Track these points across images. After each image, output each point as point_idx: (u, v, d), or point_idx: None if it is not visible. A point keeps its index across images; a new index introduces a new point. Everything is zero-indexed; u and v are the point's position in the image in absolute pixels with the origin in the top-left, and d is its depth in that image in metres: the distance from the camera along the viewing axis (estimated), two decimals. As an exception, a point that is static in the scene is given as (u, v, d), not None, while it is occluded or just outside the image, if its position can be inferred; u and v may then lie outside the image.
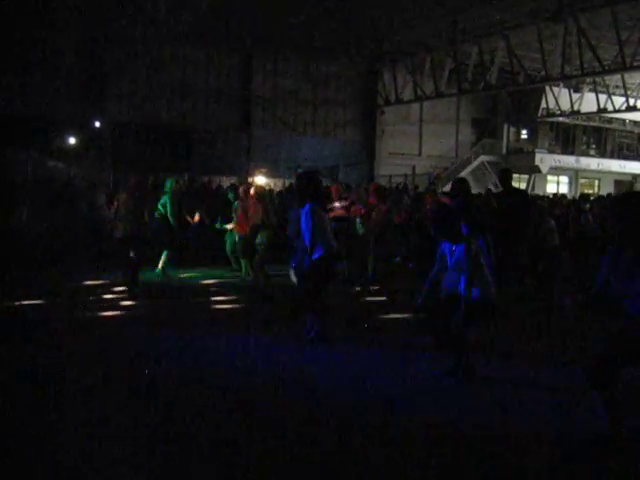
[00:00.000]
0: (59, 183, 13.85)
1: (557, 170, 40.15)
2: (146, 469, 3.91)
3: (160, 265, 11.16)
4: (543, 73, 26.99)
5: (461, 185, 9.05)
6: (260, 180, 13.56)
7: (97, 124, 25.91)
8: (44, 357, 6.15)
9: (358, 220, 10.40)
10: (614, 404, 4.18)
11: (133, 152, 25.59)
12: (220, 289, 10.35)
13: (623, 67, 24.25)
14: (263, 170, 23.81)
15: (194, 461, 3.99)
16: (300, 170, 22.04)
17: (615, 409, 4.18)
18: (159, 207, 11.26)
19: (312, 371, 6.00)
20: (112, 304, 8.80)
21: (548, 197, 21.58)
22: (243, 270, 11.45)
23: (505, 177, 10.04)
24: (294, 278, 8.55)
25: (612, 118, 39.43)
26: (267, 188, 16.57)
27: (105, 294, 9.46)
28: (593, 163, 41.14)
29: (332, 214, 9.86)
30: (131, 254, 9.46)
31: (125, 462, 3.97)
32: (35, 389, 5.23)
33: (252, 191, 11.08)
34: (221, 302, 9.34)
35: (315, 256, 6.93)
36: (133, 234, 9.48)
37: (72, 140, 25.28)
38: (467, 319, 5.68)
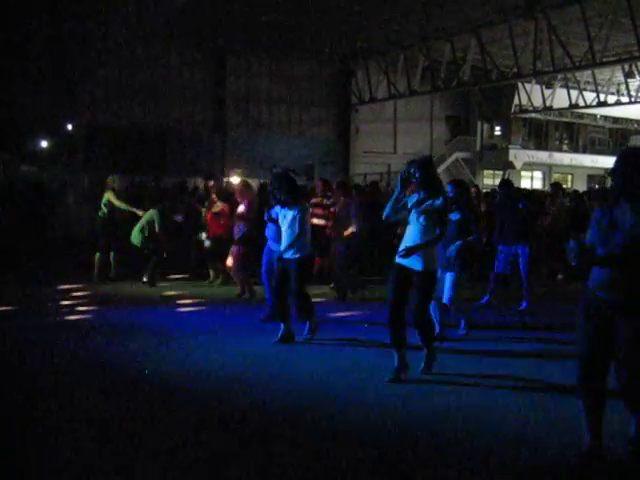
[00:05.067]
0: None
1: (531, 166, 40.56)
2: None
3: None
4: (515, 70, 27.21)
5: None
6: (235, 180, 13.42)
7: (69, 127, 25.59)
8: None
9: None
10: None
11: (106, 154, 25.32)
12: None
13: (593, 63, 24.57)
14: (238, 170, 23.63)
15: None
16: (275, 170, 21.93)
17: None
18: (102, 206, 11.21)
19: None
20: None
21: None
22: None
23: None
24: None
25: (583, 114, 39.91)
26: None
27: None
28: (566, 158, 41.65)
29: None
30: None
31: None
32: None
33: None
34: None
35: (298, 255, 6.94)
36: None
37: (44, 144, 24.97)
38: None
